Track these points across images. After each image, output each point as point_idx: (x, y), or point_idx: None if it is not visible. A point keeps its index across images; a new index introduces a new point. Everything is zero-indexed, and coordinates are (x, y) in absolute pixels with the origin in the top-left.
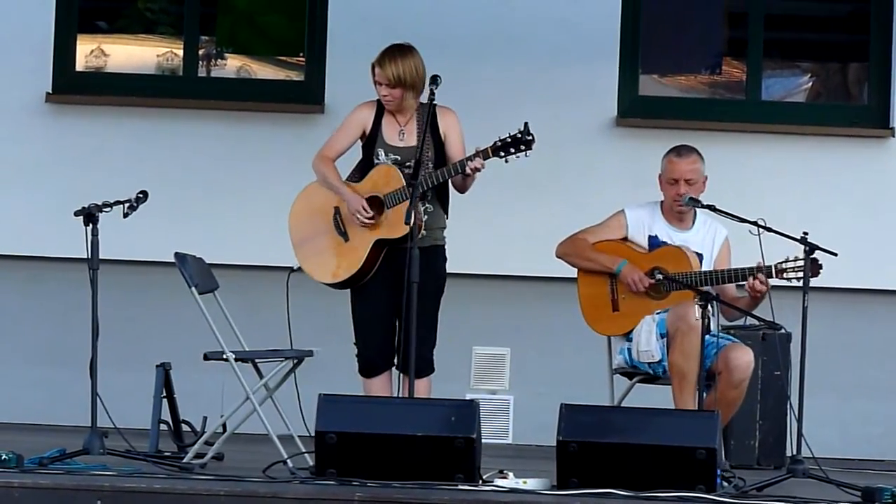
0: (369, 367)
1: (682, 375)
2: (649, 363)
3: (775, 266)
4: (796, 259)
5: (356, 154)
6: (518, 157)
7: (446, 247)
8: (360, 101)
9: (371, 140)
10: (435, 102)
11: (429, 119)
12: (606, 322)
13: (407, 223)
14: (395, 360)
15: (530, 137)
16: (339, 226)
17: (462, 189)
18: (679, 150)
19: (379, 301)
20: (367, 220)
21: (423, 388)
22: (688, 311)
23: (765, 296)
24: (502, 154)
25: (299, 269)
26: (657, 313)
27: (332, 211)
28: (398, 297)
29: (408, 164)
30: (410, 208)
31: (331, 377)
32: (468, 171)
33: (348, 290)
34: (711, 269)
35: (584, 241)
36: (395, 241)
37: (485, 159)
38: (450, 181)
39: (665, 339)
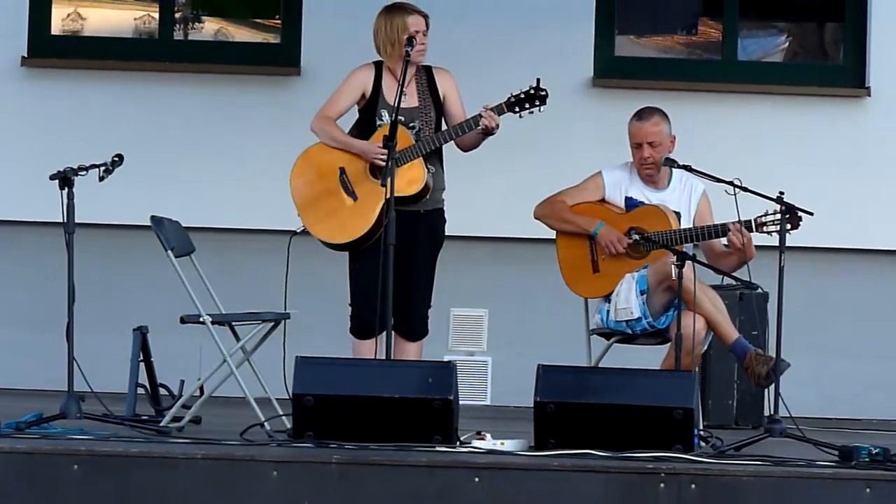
0: (363, 329)
1: (709, 315)
2: (627, 321)
3: (754, 220)
4: (775, 213)
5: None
6: (532, 112)
7: (445, 209)
8: (335, 63)
9: (372, 102)
10: (431, 65)
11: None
12: (587, 284)
13: (383, 185)
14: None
15: (544, 92)
16: (346, 186)
17: (472, 147)
18: (640, 114)
19: (378, 262)
20: None
21: (414, 350)
22: (668, 267)
23: (750, 248)
24: (517, 109)
25: (303, 230)
26: (637, 270)
27: (337, 171)
28: (397, 260)
29: (411, 124)
30: (386, 171)
31: (313, 340)
32: (481, 127)
33: (342, 251)
34: (691, 226)
35: (562, 203)
36: (405, 199)
37: (499, 115)
38: (456, 141)
39: (645, 295)
